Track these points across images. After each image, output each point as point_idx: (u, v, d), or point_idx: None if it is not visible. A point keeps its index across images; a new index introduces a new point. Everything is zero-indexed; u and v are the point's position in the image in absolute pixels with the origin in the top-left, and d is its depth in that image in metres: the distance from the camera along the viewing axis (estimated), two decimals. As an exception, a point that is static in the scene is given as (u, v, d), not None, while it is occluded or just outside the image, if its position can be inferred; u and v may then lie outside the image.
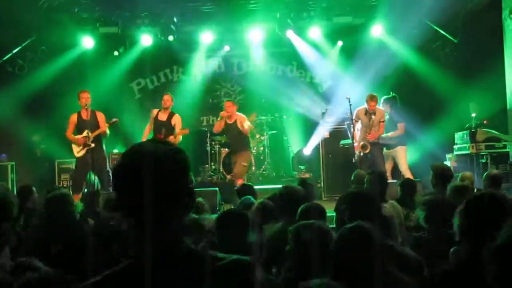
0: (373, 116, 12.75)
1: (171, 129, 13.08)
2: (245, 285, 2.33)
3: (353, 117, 12.98)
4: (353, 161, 12.78)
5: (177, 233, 2.38)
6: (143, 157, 2.33)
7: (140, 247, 2.34)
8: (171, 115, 13.21)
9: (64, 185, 14.34)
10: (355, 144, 12.93)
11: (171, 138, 12.75)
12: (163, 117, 13.21)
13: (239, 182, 12.45)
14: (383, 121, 12.94)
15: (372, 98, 12.76)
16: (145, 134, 13.39)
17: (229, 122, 13.90)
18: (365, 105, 12.86)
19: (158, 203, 2.28)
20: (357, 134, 12.99)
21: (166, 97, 13.39)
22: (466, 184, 7.62)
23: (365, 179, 8.29)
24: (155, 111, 13.44)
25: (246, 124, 13.89)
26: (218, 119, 14.09)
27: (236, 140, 14.08)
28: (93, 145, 12.28)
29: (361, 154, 12.77)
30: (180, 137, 13.12)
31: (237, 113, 14.09)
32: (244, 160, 14.05)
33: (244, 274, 2.35)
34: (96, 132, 12.38)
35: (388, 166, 13.39)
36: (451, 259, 4.60)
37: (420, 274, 4.47)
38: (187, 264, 2.35)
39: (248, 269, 2.38)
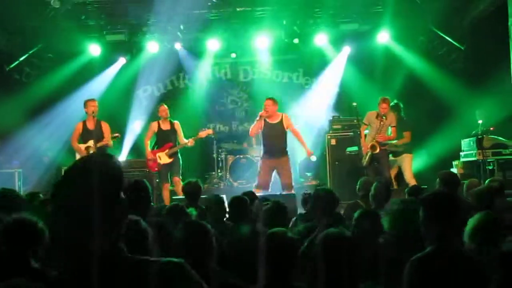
0: (384, 120, 12.71)
1: (176, 136, 13.31)
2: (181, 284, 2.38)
3: (364, 121, 13.01)
4: (363, 163, 12.79)
5: (113, 240, 2.41)
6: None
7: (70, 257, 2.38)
8: (172, 123, 13.42)
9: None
10: (363, 148, 12.93)
11: (189, 142, 13.27)
12: (166, 126, 13.40)
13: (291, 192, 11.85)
14: (394, 126, 12.92)
15: (384, 101, 12.73)
16: (147, 144, 13.49)
17: (271, 122, 12.63)
18: (378, 109, 12.86)
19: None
20: (365, 138, 12.99)
21: (163, 108, 13.59)
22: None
23: (373, 186, 8.28)
24: (155, 123, 13.55)
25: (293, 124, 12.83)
26: (257, 119, 12.71)
27: (284, 142, 12.68)
28: None
29: (369, 159, 12.75)
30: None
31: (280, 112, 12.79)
32: (290, 167, 12.79)
33: (179, 274, 2.41)
34: (100, 144, 12.46)
35: (393, 173, 13.36)
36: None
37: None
38: (124, 271, 2.37)
39: (183, 269, 2.43)
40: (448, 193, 4.91)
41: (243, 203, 7.22)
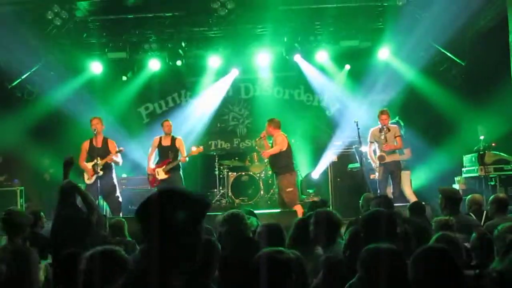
0: (386, 131, 12.73)
1: (177, 152, 13.36)
2: None
3: (369, 139, 13.03)
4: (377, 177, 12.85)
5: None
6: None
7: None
8: (173, 139, 13.48)
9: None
10: (373, 165, 12.97)
11: (182, 160, 13.31)
12: (167, 142, 13.46)
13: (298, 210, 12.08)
14: (398, 136, 12.92)
15: (382, 113, 12.86)
16: (150, 159, 13.55)
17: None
18: (379, 124, 12.88)
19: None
20: (374, 156, 13.02)
21: (167, 123, 13.62)
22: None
23: (371, 204, 8.25)
24: (157, 138, 13.63)
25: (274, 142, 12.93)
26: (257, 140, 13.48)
27: (273, 162, 12.98)
28: (101, 172, 12.38)
29: (381, 172, 12.75)
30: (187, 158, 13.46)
31: (277, 131, 12.99)
32: (287, 185, 12.65)
33: None
34: (104, 160, 12.49)
35: (390, 190, 13.31)
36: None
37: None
38: None
39: None
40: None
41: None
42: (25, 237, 7.01)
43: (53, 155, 16.05)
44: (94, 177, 12.47)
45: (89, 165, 12.57)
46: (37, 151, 15.97)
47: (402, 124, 13.99)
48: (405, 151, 13.51)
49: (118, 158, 12.86)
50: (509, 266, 3.84)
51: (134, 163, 16.29)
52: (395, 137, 12.91)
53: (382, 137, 12.78)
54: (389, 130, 12.80)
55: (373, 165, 13.06)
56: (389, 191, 13.11)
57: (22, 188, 14.90)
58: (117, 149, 12.87)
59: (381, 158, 12.76)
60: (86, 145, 12.78)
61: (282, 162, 12.76)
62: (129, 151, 15.28)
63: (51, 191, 15.94)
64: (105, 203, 12.92)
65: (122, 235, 8.32)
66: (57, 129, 16.08)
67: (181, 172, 13.37)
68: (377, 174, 12.93)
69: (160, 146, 13.43)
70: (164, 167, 13.21)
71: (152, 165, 13.43)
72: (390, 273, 4.01)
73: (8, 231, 6.79)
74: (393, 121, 13.55)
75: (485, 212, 8.63)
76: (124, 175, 16.02)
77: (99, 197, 12.69)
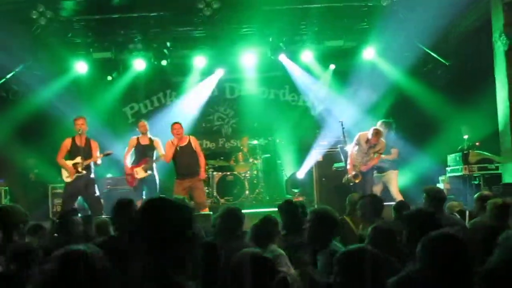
0: (372, 148, 12.72)
1: (153, 152, 13.38)
2: None
3: (355, 140, 12.99)
4: (343, 181, 12.84)
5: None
6: None
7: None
8: (152, 140, 13.47)
9: (58, 210, 14.29)
10: (348, 167, 12.93)
11: (166, 157, 13.22)
12: (145, 141, 13.47)
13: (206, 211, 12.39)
14: (380, 153, 12.89)
15: (376, 134, 12.61)
16: (126, 159, 13.48)
17: (181, 144, 13.28)
18: (369, 133, 12.79)
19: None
20: (354, 156, 12.97)
21: (142, 123, 13.63)
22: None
23: (357, 205, 8.26)
24: (134, 138, 13.58)
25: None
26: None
27: (194, 164, 13.30)
28: (84, 172, 12.35)
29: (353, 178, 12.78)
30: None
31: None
32: (203, 186, 13.72)
33: None
34: (89, 161, 12.47)
35: (378, 189, 13.32)
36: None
37: None
38: None
39: None
40: (428, 211, 4.89)
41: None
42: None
43: (38, 155, 16.03)
44: (74, 176, 12.44)
45: (69, 163, 12.52)
46: (23, 151, 15.91)
47: (394, 125, 13.98)
48: (392, 151, 13.52)
49: (100, 160, 12.84)
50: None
51: (119, 163, 16.24)
52: (378, 153, 12.88)
53: (366, 149, 12.77)
54: (375, 147, 12.78)
55: (348, 167, 13.00)
56: (378, 190, 13.18)
57: (7, 188, 14.86)
58: (100, 151, 12.86)
59: (355, 176, 12.77)
60: (67, 142, 12.66)
61: (199, 164, 13.25)
62: (114, 151, 15.25)
63: (36, 191, 15.98)
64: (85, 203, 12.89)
65: (108, 235, 8.34)
66: (43, 129, 16.01)
67: (155, 174, 13.40)
68: (347, 177, 12.91)
69: (138, 145, 13.38)
70: (143, 166, 13.18)
71: (129, 165, 13.37)
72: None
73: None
74: (387, 120, 13.61)
75: (467, 212, 8.68)
76: (109, 175, 16.00)
77: (79, 197, 12.72)
